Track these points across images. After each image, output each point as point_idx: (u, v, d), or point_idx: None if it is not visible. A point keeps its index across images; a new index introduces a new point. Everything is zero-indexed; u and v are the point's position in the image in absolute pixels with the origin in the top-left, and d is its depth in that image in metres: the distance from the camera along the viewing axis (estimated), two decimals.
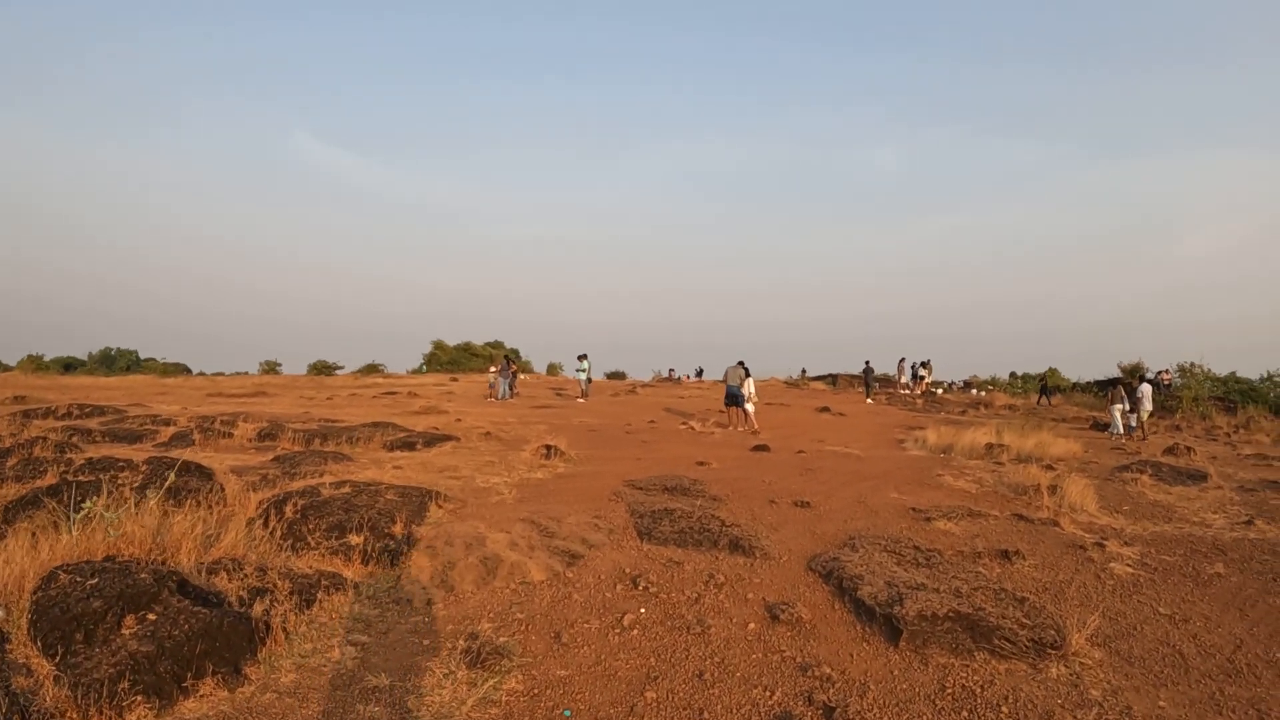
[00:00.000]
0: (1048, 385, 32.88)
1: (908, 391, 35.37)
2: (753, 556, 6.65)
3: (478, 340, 59.94)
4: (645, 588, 5.85)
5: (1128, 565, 7.28)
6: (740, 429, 18.57)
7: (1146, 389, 22.05)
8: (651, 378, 49.37)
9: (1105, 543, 8.00)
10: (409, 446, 13.28)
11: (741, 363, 19.30)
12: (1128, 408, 21.82)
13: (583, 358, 28.08)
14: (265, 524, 6.60)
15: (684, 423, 19.44)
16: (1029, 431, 17.00)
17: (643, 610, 5.42)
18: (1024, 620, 5.23)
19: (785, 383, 41.56)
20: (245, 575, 5.22)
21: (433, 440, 13.98)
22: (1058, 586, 6.50)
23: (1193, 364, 32.19)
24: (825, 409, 25.27)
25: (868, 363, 33.50)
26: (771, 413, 23.51)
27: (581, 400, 26.88)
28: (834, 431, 19.20)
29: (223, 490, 7.78)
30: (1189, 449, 16.34)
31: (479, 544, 6.61)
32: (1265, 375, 30.70)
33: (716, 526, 7.24)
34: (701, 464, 12.00)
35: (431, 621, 5.22)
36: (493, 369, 29.98)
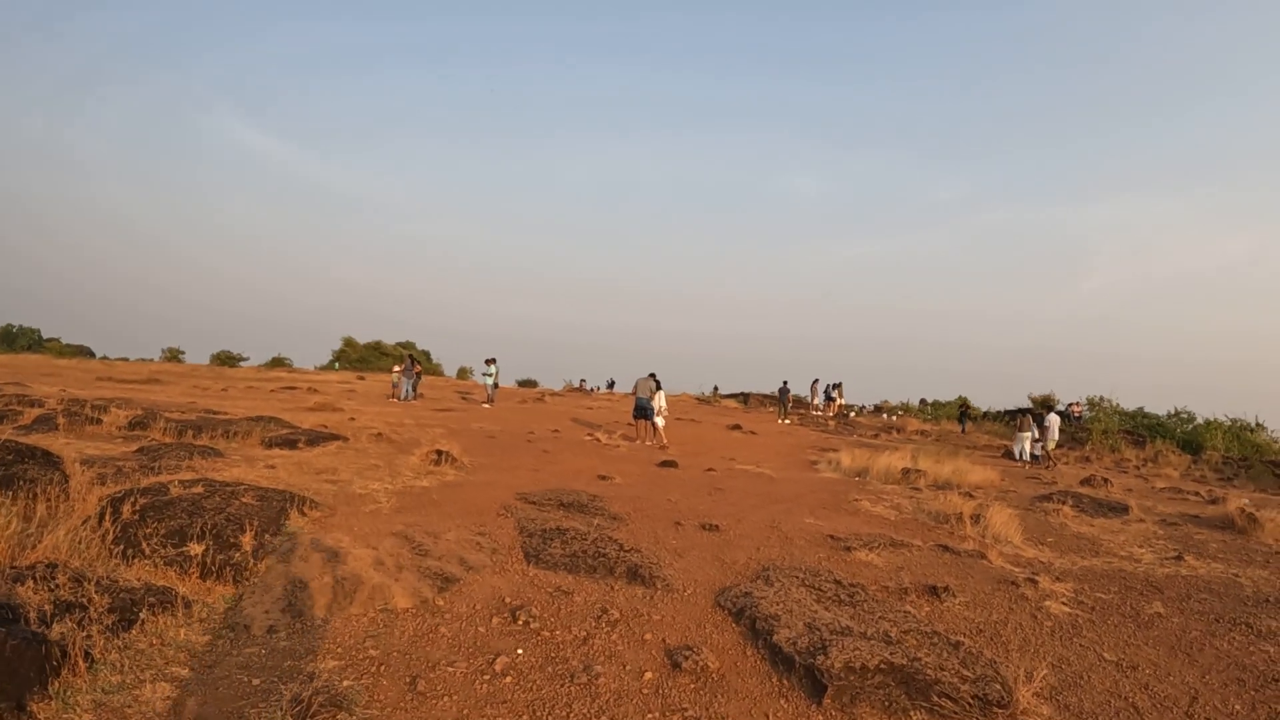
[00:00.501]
0: (968, 412, 32.89)
1: (820, 413, 35.11)
2: (653, 587, 5.73)
3: (389, 339, 58.29)
4: (526, 622, 4.86)
5: (1063, 604, 6.70)
6: (648, 443, 17.71)
7: (1054, 419, 22.07)
8: (562, 387, 48.22)
9: (1037, 578, 7.39)
10: (289, 445, 12.01)
11: (653, 374, 18.45)
12: (1035, 436, 21.69)
13: (490, 362, 26.89)
14: (100, 524, 5.47)
15: (590, 434, 18.44)
16: (944, 458, 16.56)
17: (520, 652, 4.44)
18: (964, 672, 4.44)
19: (697, 399, 40.98)
20: (56, 586, 4.22)
21: (317, 439, 12.73)
22: (993, 628, 5.82)
23: (1102, 398, 32.73)
24: (737, 427, 24.62)
25: (785, 383, 33.17)
26: (681, 428, 22.73)
27: (487, 406, 25.66)
28: (745, 450, 18.48)
29: (66, 482, 6.57)
30: (1105, 480, 16.11)
31: (340, 560, 5.56)
32: (1172, 411, 31.35)
33: (614, 550, 6.29)
34: (604, 478, 11.06)
35: (268, 655, 4.19)
36: (396, 369, 28.46)
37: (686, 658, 4.40)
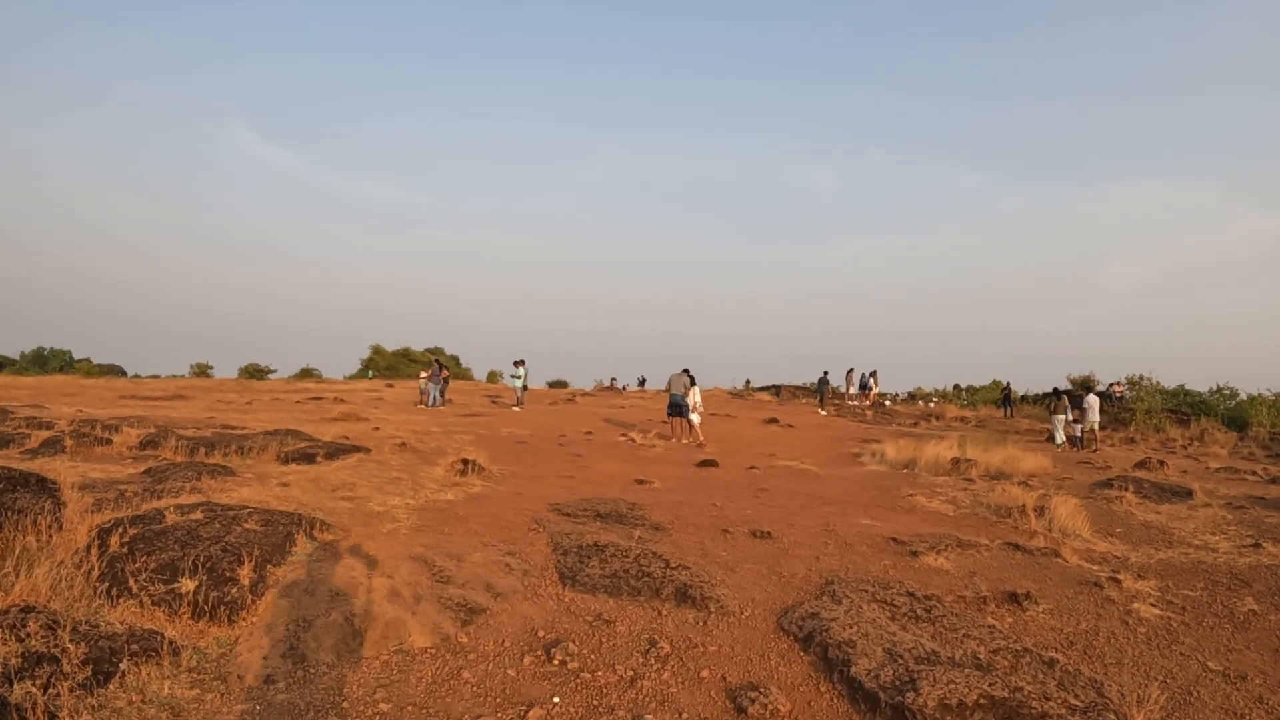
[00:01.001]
0: (1011, 396, 31.89)
1: (856, 403, 34.30)
2: (706, 610, 5.17)
3: (417, 346, 58.05)
4: (563, 661, 4.32)
5: (1152, 605, 6.14)
6: (684, 441, 17.16)
7: (1093, 400, 21.24)
8: (593, 387, 47.61)
9: (1119, 577, 6.81)
10: (307, 459, 11.53)
11: (686, 370, 17.88)
12: (1070, 418, 20.87)
13: (519, 364, 26.36)
14: (85, 559, 4.99)
15: (623, 434, 17.86)
16: (992, 445, 15.86)
17: (556, 700, 3.90)
18: (1069, 699, 3.91)
19: (730, 393, 40.25)
20: (27, 635, 3.72)
21: (337, 452, 12.27)
22: (1084, 638, 5.28)
23: (1141, 377, 31.79)
24: (773, 420, 23.94)
25: (825, 373, 32.32)
26: (716, 424, 22.12)
27: (516, 409, 25.10)
28: (784, 445, 17.86)
29: (59, 511, 6.07)
30: (1161, 463, 15.36)
31: (351, 593, 5.05)
32: (1215, 388, 30.43)
33: (659, 567, 5.74)
34: (641, 483, 10.52)
35: (264, 712, 3.68)
36: (423, 375, 27.84)
37: (752, 699, 3.85)
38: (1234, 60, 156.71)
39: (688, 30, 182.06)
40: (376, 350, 56.60)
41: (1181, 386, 30.85)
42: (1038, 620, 5.55)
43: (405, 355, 56.45)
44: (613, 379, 48.85)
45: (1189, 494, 12.03)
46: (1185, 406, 28.47)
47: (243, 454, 11.51)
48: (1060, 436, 20.70)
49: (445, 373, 26.77)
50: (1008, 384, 32.36)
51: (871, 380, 35.32)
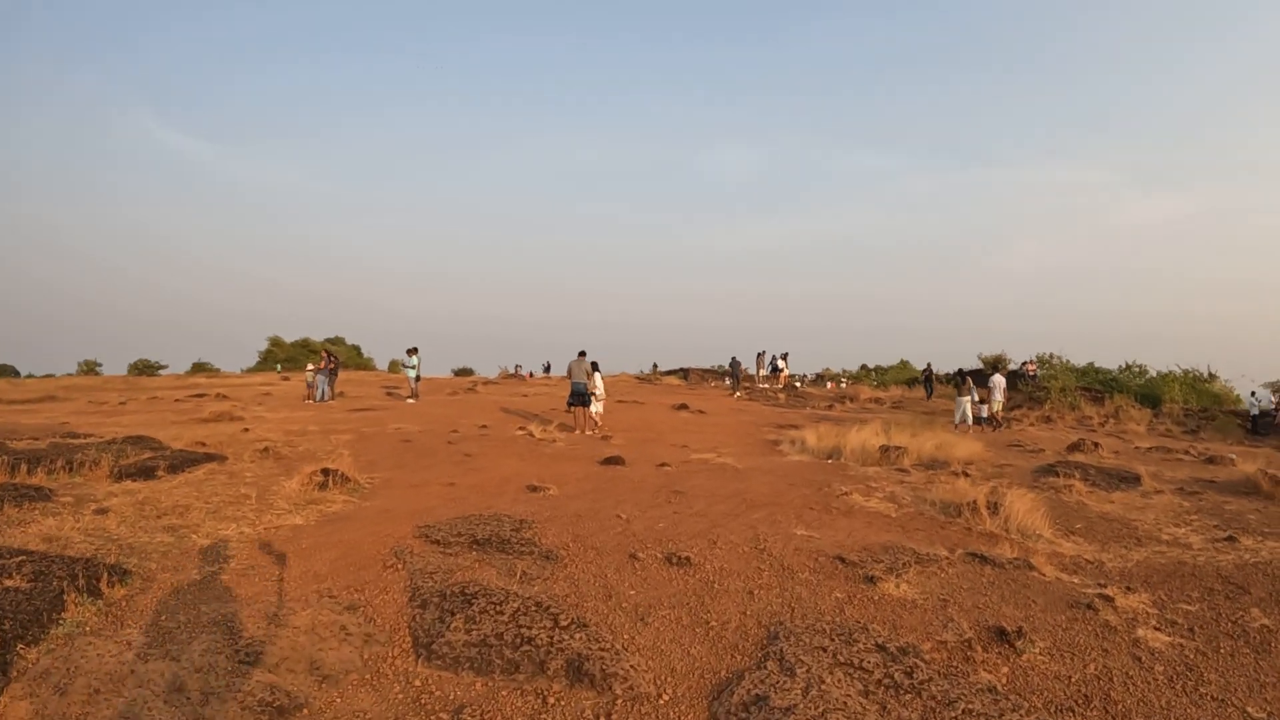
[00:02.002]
0: (932, 377, 31.15)
1: (767, 385, 33.30)
2: (609, 692, 3.69)
3: (317, 336, 54.98)
4: None
5: (1156, 629, 5.11)
6: (588, 433, 15.67)
7: (998, 380, 20.68)
8: (498, 374, 45.65)
9: (1109, 593, 5.72)
10: (146, 473, 9.64)
11: (583, 353, 16.36)
12: (975, 399, 20.18)
13: (412, 352, 24.25)
14: None
15: (522, 427, 16.13)
16: (920, 430, 14.87)
17: None
18: None
19: (637, 378, 38.81)
20: None
21: (184, 463, 10.38)
22: (1099, 688, 4.19)
23: (1051, 355, 31.62)
24: (684, 406, 22.48)
25: (734, 358, 31.22)
26: (624, 412, 20.63)
27: (411, 401, 23.10)
28: (697, 433, 16.47)
29: None
30: (1095, 445, 14.61)
31: (116, 689, 3.45)
32: (1124, 365, 30.39)
33: (545, 628, 4.20)
34: (535, 489, 8.94)
35: None
36: (310, 367, 25.36)
37: None
38: (1131, 48, 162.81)
39: (591, 7, 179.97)
40: (275, 342, 53.56)
41: (1091, 364, 30.80)
42: (1038, 666, 4.32)
43: (305, 346, 53.56)
44: (518, 366, 47.19)
45: (1137, 480, 11.17)
46: (1097, 384, 28.28)
47: (72, 470, 9.59)
48: (969, 417, 19.93)
49: (334, 363, 24.41)
50: (929, 365, 31.67)
51: (782, 363, 34.46)
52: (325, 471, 9.13)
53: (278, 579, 5.36)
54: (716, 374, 42.26)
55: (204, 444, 12.13)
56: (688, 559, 5.76)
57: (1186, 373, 29.18)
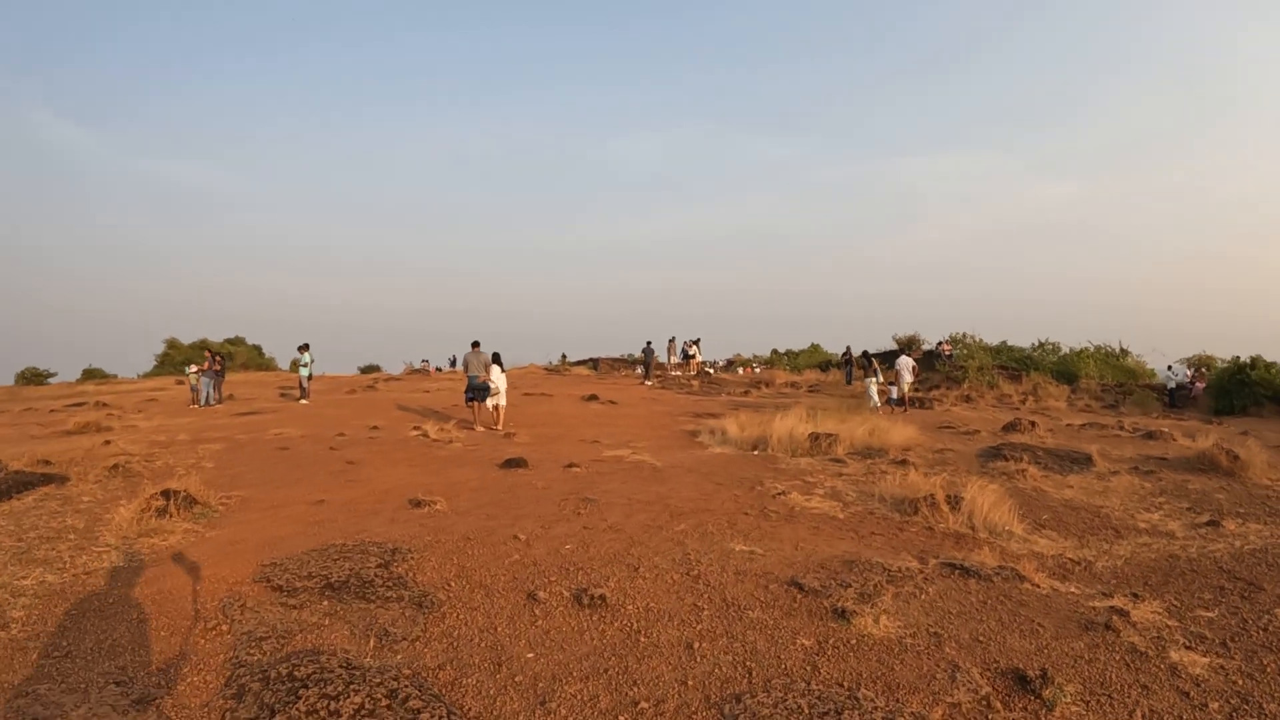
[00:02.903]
0: (853, 360, 30.16)
1: (679, 373, 32.16)
2: None
3: (216, 337, 51.75)
4: None
5: (1187, 648, 4.19)
6: (492, 429, 14.23)
7: (905, 361, 19.91)
8: (403, 370, 43.50)
9: (1120, 605, 4.75)
10: None
11: (477, 344, 14.88)
12: (881, 380, 19.51)
13: (304, 349, 22.24)
14: None
15: (417, 427, 14.48)
16: (846, 415, 13.87)
17: None
18: None
19: (546, 369, 37.16)
20: None
21: (15, 487, 8.62)
22: None
23: (964, 334, 31.21)
24: (594, 397, 21.07)
25: (649, 343, 29.88)
26: (531, 405, 19.15)
27: (304, 402, 21.08)
28: (609, 426, 15.12)
29: None
30: (1032, 424, 13.85)
31: None
32: (1037, 343, 30.16)
33: None
34: (420, 504, 7.49)
35: None
36: (192, 369, 22.70)
37: None
38: (1033, 40, 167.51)
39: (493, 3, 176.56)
40: (172, 344, 50.19)
41: (1004, 343, 30.56)
42: None
43: (203, 347, 50.35)
44: (424, 361, 45.20)
45: (1088, 460, 10.37)
46: (1012, 363, 27.97)
47: None
48: (876, 400, 19.15)
49: (218, 365, 22.00)
50: (848, 348, 30.76)
51: (694, 349, 33.34)
52: (167, 494, 7.49)
53: (62, 653, 3.89)
54: (627, 363, 41.11)
55: (48, 462, 10.26)
56: (602, 597, 4.41)
57: (1099, 349, 29.17)
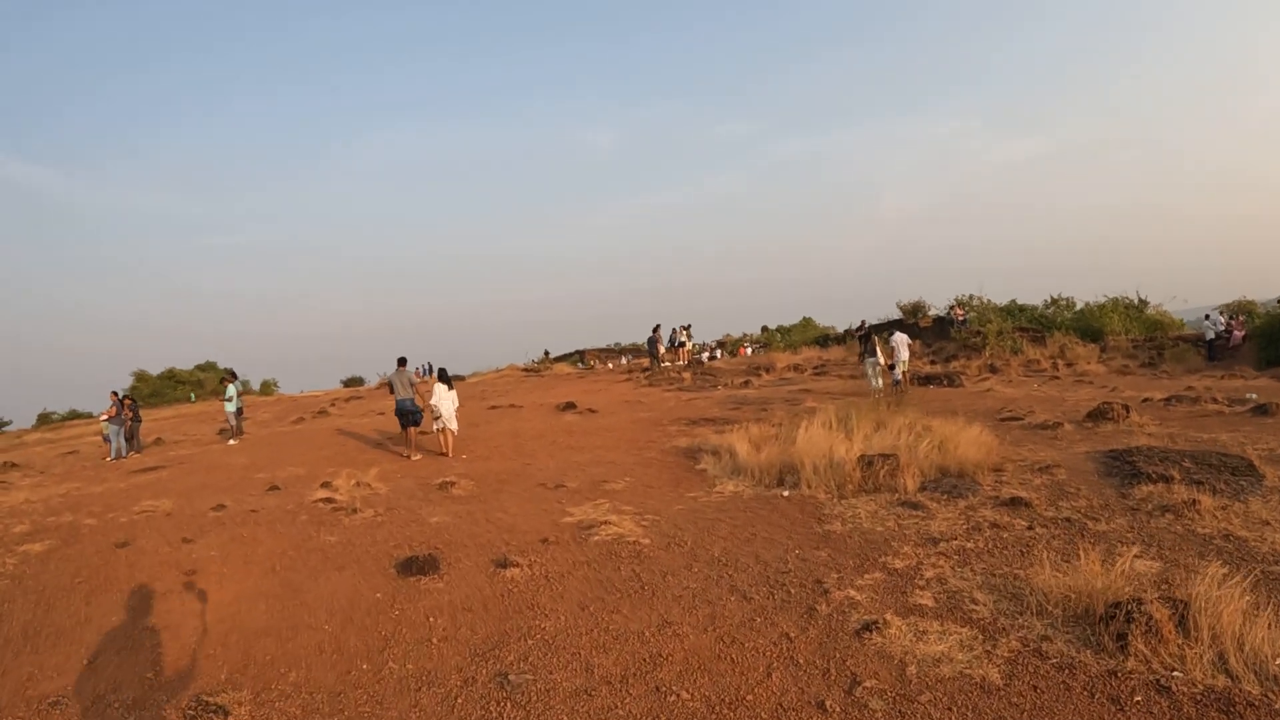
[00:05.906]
0: (870, 337, 26.31)
1: (669, 363, 28.52)
2: None
3: (184, 365, 48.07)
4: None
5: None
6: (443, 453, 11.40)
7: (901, 337, 16.27)
8: (377, 383, 40.00)
9: None
10: None
11: (402, 360, 11.83)
12: (881, 360, 15.71)
13: (228, 379, 18.59)
14: None
15: (328, 482, 10.07)
16: (882, 414, 10.45)
17: None
18: None
19: (524, 369, 33.33)
20: None
21: None
22: None
23: (972, 296, 27.76)
24: (570, 406, 17.33)
25: (656, 327, 26.38)
26: (494, 422, 15.60)
27: (233, 442, 17.29)
28: (582, 452, 11.56)
29: None
30: (1125, 408, 10.31)
31: None
32: (1050, 299, 26.80)
33: None
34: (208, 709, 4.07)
35: None
36: (103, 417, 18.56)
37: None
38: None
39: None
40: (140, 377, 46.48)
41: (1014, 302, 27.10)
42: None
43: (171, 378, 46.79)
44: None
45: (1249, 468, 6.92)
46: (1029, 323, 24.61)
47: None
48: (878, 382, 15.57)
49: (128, 412, 17.96)
50: (864, 322, 26.95)
51: (684, 335, 29.69)
52: None
53: None
54: (613, 353, 37.78)
55: None
56: None
57: (1117, 301, 25.75)
